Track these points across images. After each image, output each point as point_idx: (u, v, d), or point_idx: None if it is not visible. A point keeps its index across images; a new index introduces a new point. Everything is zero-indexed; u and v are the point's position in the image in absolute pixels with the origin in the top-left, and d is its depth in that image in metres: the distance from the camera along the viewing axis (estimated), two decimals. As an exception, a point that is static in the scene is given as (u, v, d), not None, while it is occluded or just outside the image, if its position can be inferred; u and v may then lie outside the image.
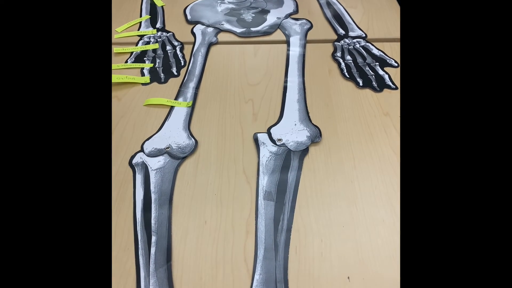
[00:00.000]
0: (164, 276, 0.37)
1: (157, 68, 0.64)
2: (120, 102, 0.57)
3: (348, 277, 0.37)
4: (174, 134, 0.51)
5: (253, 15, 0.78)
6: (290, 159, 0.47)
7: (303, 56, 0.66)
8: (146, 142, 0.50)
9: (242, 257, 0.38)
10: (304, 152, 0.48)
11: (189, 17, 0.78)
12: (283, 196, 0.43)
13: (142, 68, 0.64)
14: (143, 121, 0.54)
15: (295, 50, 0.67)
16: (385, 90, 0.58)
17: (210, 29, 0.74)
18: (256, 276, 0.37)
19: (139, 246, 0.39)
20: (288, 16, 0.78)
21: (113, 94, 0.58)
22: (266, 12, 0.79)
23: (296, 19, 0.76)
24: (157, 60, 0.66)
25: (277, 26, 0.74)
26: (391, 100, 0.56)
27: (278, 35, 0.72)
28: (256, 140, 0.50)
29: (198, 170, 0.47)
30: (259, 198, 0.43)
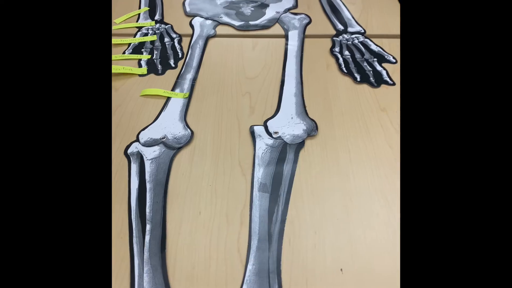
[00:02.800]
0: (158, 264, 0.37)
1: (155, 60, 0.64)
2: (117, 92, 0.57)
3: (341, 269, 0.37)
4: (170, 125, 0.51)
5: (252, 8, 0.78)
6: (286, 152, 0.47)
7: (301, 51, 0.66)
8: (142, 132, 0.50)
9: (235, 247, 0.38)
10: (300, 145, 0.48)
11: (188, 9, 0.78)
12: (278, 188, 0.43)
13: (140, 60, 0.64)
14: (139, 112, 0.54)
15: (293, 44, 0.67)
16: (383, 85, 0.58)
17: (208, 22, 0.73)
18: (249, 267, 0.37)
19: (134, 234, 0.39)
20: (287, 10, 0.78)
21: (110, 84, 0.58)
22: (265, 6, 0.79)
23: (295, 14, 0.76)
24: (155, 52, 0.66)
25: (276, 20, 0.74)
26: (389, 95, 0.56)
27: (276, 29, 0.72)
28: (252, 133, 0.50)
29: (194, 161, 0.47)
30: (254, 190, 0.43)
